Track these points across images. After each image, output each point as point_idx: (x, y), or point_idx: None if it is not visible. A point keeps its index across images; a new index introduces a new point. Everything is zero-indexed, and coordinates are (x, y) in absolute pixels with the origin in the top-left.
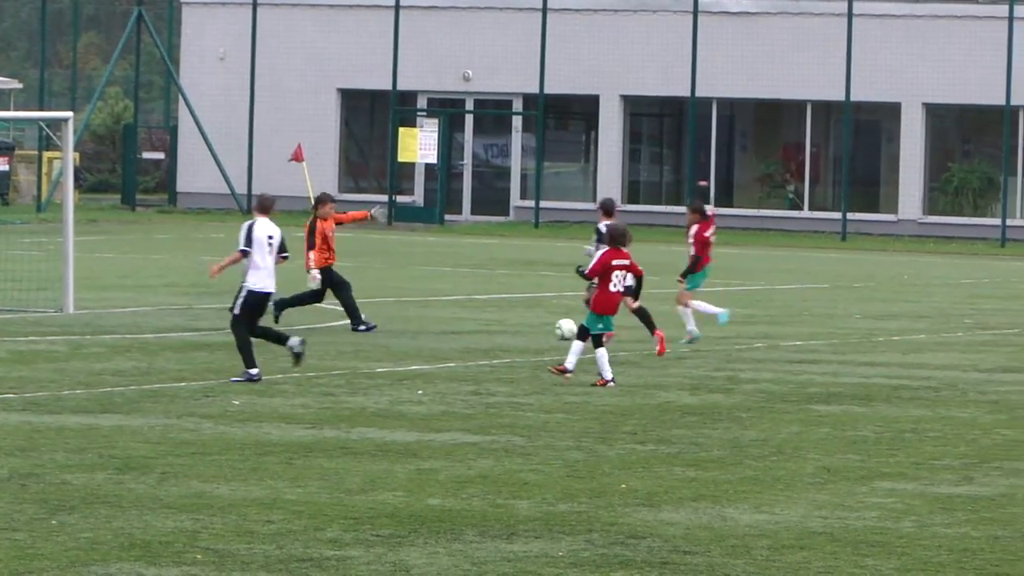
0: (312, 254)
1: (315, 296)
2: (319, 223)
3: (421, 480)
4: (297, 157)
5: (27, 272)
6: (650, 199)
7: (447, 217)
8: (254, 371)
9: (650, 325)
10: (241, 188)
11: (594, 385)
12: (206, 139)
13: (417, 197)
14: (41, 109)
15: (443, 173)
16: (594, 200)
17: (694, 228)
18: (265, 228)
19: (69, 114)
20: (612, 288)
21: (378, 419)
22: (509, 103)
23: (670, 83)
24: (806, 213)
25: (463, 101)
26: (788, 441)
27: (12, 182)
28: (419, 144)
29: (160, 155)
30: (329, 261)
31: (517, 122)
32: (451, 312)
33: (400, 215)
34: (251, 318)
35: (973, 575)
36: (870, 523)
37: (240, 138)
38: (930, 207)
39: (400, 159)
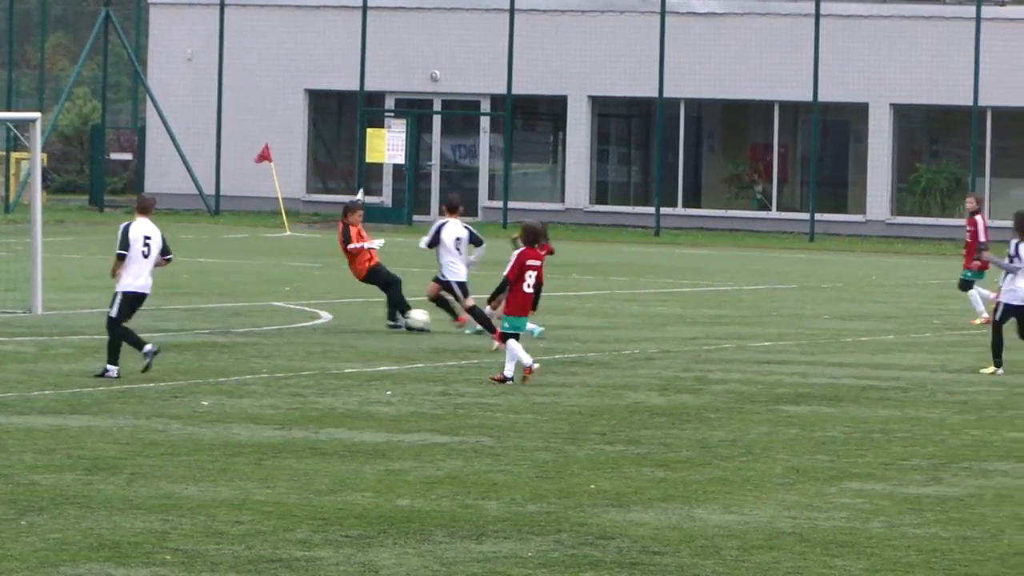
0: (367, 243)
1: (395, 288)
2: (352, 228)
3: (390, 481)
4: (265, 157)
5: None
6: (618, 200)
7: (415, 217)
8: (113, 369)
9: (488, 327)
10: (209, 189)
11: (518, 380)
12: (174, 140)
13: (385, 198)
14: (8, 110)
15: (411, 174)
16: (563, 201)
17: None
18: (142, 229)
19: (37, 115)
20: (526, 289)
21: (347, 420)
22: (477, 104)
23: (638, 84)
24: (774, 214)
25: (431, 102)
26: (757, 442)
27: None
28: (387, 145)
29: (128, 156)
30: (372, 262)
31: (485, 123)
32: (420, 313)
33: (368, 216)
34: (128, 317)
35: (942, 575)
36: (839, 523)
37: (208, 139)
38: (898, 208)
39: (368, 160)
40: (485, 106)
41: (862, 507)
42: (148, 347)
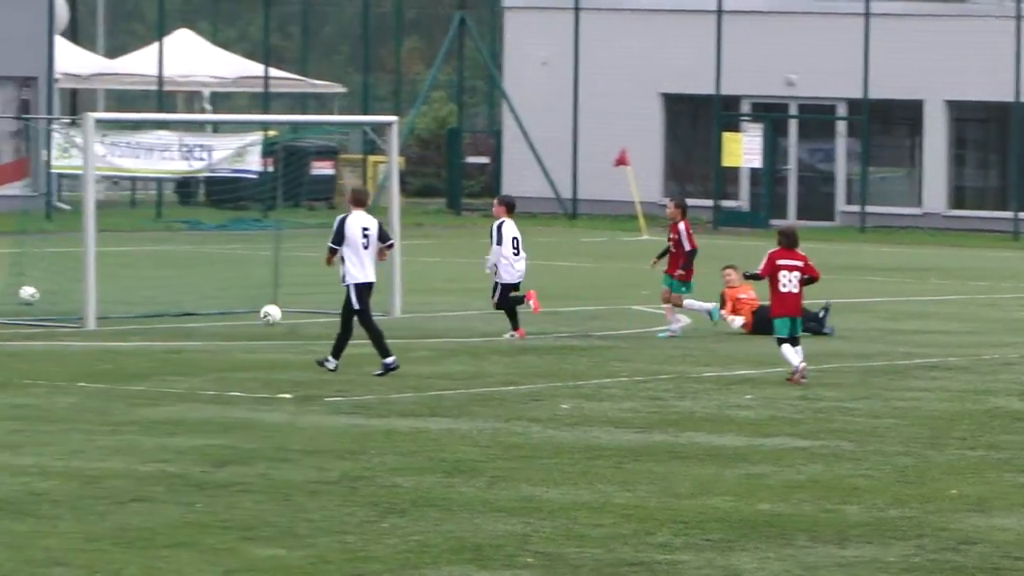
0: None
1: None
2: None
3: (750, 485)
4: (622, 161)
5: None
6: (976, 204)
7: (772, 221)
8: (390, 360)
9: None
10: (566, 192)
11: (788, 380)
12: (530, 144)
13: (742, 202)
14: (365, 114)
15: (768, 178)
16: (920, 205)
17: (683, 224)
18: (359, 221)
19: (393, 119)
20: (782, 289)
21: (706, 423)
22: (832, 108)
23: (994, 88)
24: None
25: (786, 106)
26: None
27: (337, 186)
28: (743, 149)
29: (484, 160)
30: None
31: (841, 127)
32: None
33: (725, 219)
34: (369, 306)
35: None
36: None
37: (563, 142)
38: None
39: (724, 164)
40: (841, 110)
41: None
42: (390, 360)
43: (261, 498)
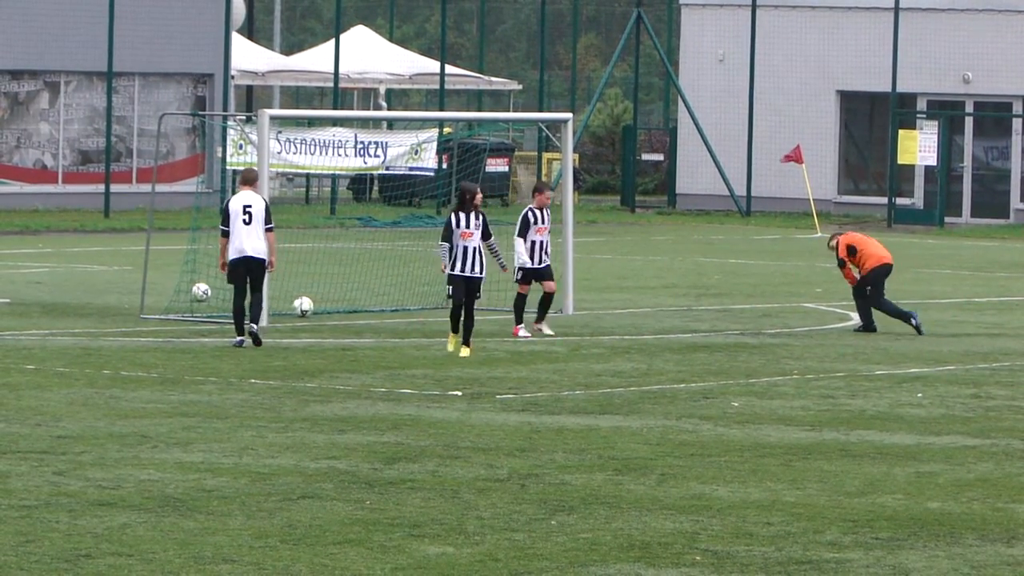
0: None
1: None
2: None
3: (920, 483)
4: (796, 159)
5: None
6: None
7: (947, 219)
8: (239, 339)
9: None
10: (740, 190)
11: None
12: (705, 141)
13: (917, 200)
14: (540, 110)
15: (943, 176)
16: None
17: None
18: (242, 199)
19: (568, 115)
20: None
21: (877, 421)
22: (1009, 105)
23: None
24: None
25: (963, 103)
26: None
27: (512, 183)
28: (919, 146)
29: (659, 157)
30: None
31: (1017, 124)
32: (950, 315)
33: (899, 217)
34: (238, 283)
35: None
36: None
37: (738, 140)
38: None
39: (900, 161)
40: (1018, 108)
41: None
42: (240, 339)
43: (430, 495)
